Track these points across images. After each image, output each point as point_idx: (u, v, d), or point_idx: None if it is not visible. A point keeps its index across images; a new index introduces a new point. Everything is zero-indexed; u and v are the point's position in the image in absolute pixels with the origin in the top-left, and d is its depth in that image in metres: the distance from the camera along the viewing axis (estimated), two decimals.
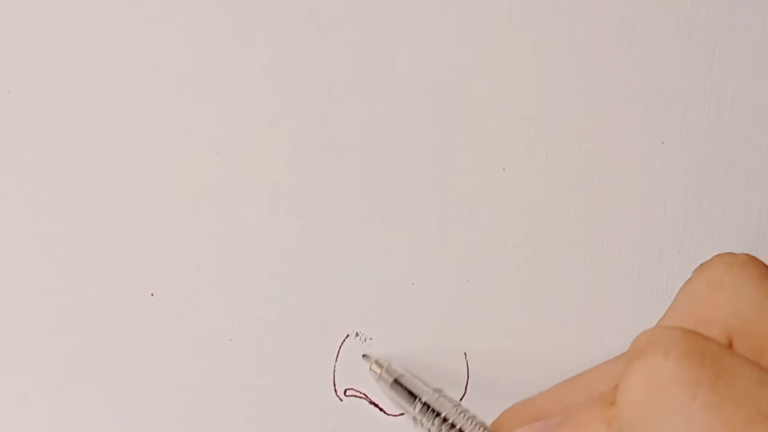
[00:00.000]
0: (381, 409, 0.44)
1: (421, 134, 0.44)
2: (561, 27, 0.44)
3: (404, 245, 0.44)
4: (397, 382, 0.42)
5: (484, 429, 0.39)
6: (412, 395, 0.41)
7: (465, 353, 0.43)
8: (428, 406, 0.40)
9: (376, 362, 0.43)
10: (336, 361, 0.44)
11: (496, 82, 0.44)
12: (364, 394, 0.44)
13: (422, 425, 0.40)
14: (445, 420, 0.39)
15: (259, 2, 0.44)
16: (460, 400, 0.43)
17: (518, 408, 0.38)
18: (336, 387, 0.44)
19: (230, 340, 0.44)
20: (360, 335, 0.44)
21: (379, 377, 0.43)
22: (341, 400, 0.44)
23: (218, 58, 0.44)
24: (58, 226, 0.44)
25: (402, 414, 0.44)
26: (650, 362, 0.30)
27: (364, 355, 0.44)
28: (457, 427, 0.39)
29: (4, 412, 0.43)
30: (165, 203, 0.44)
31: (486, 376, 0.43)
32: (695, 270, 0.35)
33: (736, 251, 0.43)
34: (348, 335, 0.44)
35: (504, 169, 0.44)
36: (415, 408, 0.40)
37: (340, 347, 0.44)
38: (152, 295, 0.44)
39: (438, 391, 0.41)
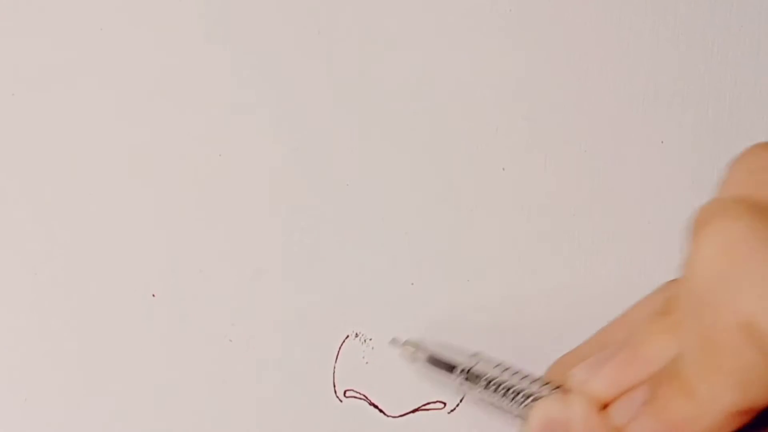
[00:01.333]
0: (381, 410, 0.43)
1: (422, 135, 0.44)
2: (560, 28, 0.45)
3: (404, 245, 0.44)
4: (433, 358, 0.41)
5: (533, 381, 0.37)
6: (451, 366, 0.40)
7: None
8: (469, 371, 0.39)
9: (407, 343, 0.42)
10: (336, 361, 0.44)
11: (495, 83, 0.44)
12: (364, 395, 0.43)
13: (470, 390, 0.39)
14: (490, 381, 0.38)
15: (261, 5, 0.45)
16: (461, 400, 0.43)
17: (566, 357, 0.37)
18: (336, 388, 0.44)
19: (230, 341, 0.44)
20: (360, 336, 0.44)
21: (413, 358, 0.42)
22: (341, 401, 0.44)
23: (220, 60, 0.44)
24: (60, 228, 0.44)
25: (402, 415, 0.43)
26: (720, 226, 0.28)
27: (393, 340, 0.43)
28: (504, 384, 0.38)
29: (6, 412, 0.43)
30: (166, 204, 0.44)
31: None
32: (730, 164, 0.33)
33: None
34: (348, 336, 0.44)
35: (504, 169, 0.44)
36: (457, 375, 0.39)
37: (340, 348, 0.44)
38: (153, 295, 0.44)
39: (476, 354, 0.40)
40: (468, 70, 0.44)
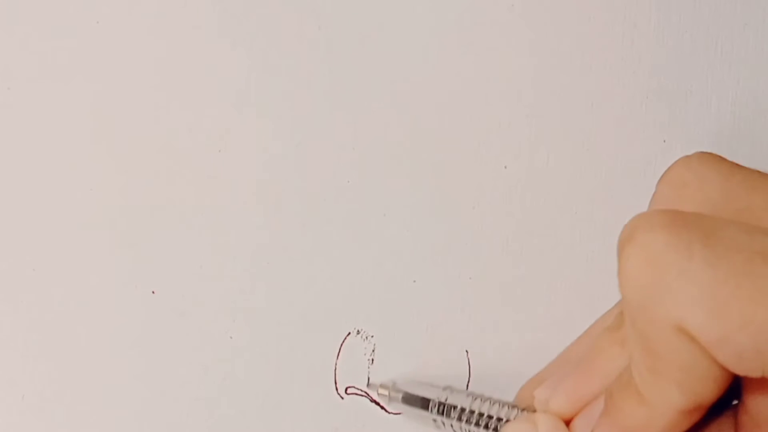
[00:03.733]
0: (382, 407, 0.44)
1: (424, 131, 0.44)
2: (563, 25, 0.45)
3: (406, 242, 0.44)
4: (407, 395, 0.42)
5: (502, 405, 0.38)
6: (425, 400, 0.41)
7: (467, 351, 0.43)
8: (443, 405, 0.40)
9: (381, 386, 0.43)
10: (337, 359, 0.44)
11: (498, 80, 0.44)
12: (365, 392, 0.44)
13: (444, 425, 0.40)
14: (462, 410, 0.39)
15: (261, 1, 0.44)
16: None
17: (531, 381, 0.38)
18: (337, 385, 0.44)
19: (231, 337, 0.44)
20: (361, 333, 0.44)
21: (389, 399, 0.42)
22: (342, 398, 0.44)
23: (220, 56, 0.44)
24: (59, 224, 0.44)
25: (402, 412, 0.44)
26: (640, 240, 0.30)
27: (368, 384, 0.44)
28: (476, 411, 0.39)
29: (4, 409, 0.43)
30: (166, 201, 0.44)
31: (488, 374, 0.43)
32: (657, 183, 0.36)
33: None
34: (349, 333, 0.44)
35: (506, 167, 0.44)
36: (432, 411, 0.40)
37: (342, 345, 0.44)
38: (153, 292, 0.44)
39: (447, 387, 0.40)
40: (470, 66, 0.44)
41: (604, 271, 0.44)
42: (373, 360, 0.44)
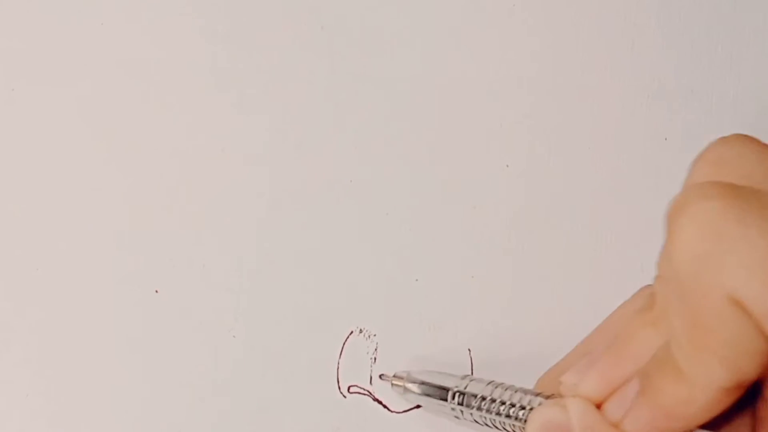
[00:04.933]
0: (385, 406, 0.43)
1: (425, 131, 0.44)
2: (564, 25, 0.45)
3: (408, 241, 0.44)
4: (425, 385, 0.41)
5: (524, 393, 0.37)
6: (443, 388, 0.40)
7: (469, 350, 0.43)
8: (463, 394, 0.39)
9: (396, 376, 0.42)
10: (340, 357, 0.44)
11: (500, 79, 0.44)
12: (368, 391, 0.44)
13: (463, 414, 0.39)
14: (483, 398, 0.38)
15: (264, 1, 0.44)
16: None
17: (552, 370, 0.38)
18: (339, 384, 0.44)
19: (234, 336, 0.44)
20: (364, 331, 0.44)
21: (405, 390, 0.42)
22: (345, 396, 0.44)
23: (222, 56, 0.44)
24: (62, 223, 0.44)
25: (406, 411, 0.44)
26: (694, 210, 0.30)
27: (381, 376, 0.43)
28: (498, 400, 0.38)
29: (8, 408, 0.43)
30: (169, 200, 0.44)
31: (490, 373, 0.43)
32: (693, 162, 0.35)
33: None
34: (352, 332, 0.44)
35: (507, 166, 0.44)
36: (450, 400, 0.39)
37: (344, 344, 0.44)
38: (156, 291, 0.44)
39: (467, 376, 0.40)
40: (472, 66, 0.44)
41: (606, 270, 0.44)
42: (375, 359, 0.44)
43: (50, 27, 0.44)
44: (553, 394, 0.36)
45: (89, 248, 0.44)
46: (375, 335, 0.44)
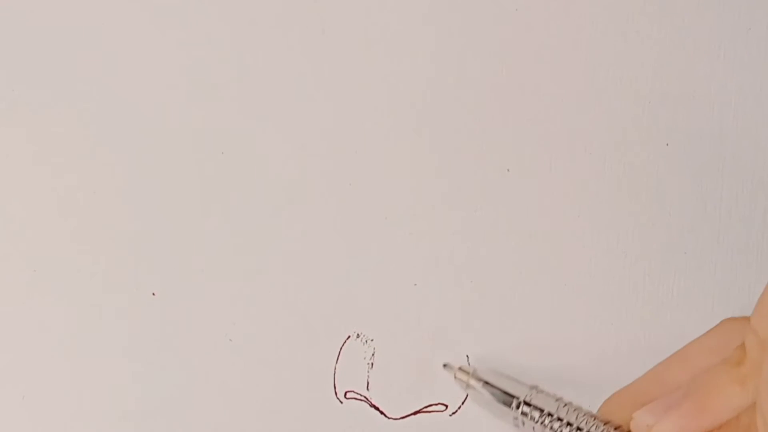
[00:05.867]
0: (381, 412, 0.43)
1: (426, 135, 0.44)
2: (566, 29, 0.44)
3: (407, 246, 0.44)
4: (489, 385, 0.41)
5: (593, 418, 0.37)
6: (509, 396, 0.39)
7: (467, 356, 0.43)
8: (528, 404, 0.39)
9: (461, 369, 0.42)
10: (336, 362, 0.43)
11: (501, 83, 0.44)
12: (365, 397, 0.43)
13: (524, 425, 0.39)
14: (549, 415, 0.38)
15: (266, 3, 0.45)
16: (462, 402, 0.43)
17: (620, 395, 0.38)
18: (336, 389, 0.43)
19: (230, 340, 0.43)
20: (361, 336, 0.44)
21: (467, 385, 0.41)
22: (341, 402, 0.43)
23: (223, 58, 0.44)
24: (60, 225, 0.44)
25: (403, 417, 0.43)
26: None
27: (445, 365, 0.43)
28: (564, 420, 0.37)
29: (4, 410, 0.43)
30: (168, 203, 0.44)
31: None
32: None
33: (742, 252, 0.43)
34: (349, 336, 0.44)
35: (508, 170, 0.44)
36: (515, 408, 0.39)
37: (341, 349, 0.43)
38: (153, 294, 0.44)
39: (534, 387, 0.40)
40: (474, 70, 0.44)
41: (607, 275, 0.44)
42: (372, 364, 0.43)
43: (52, 28, 0.44)
44: (621, 427, 0.36)
45: (86, 250, 0.44)
46: (372, 340, 0.44)
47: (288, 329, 0.43)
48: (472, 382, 0.41)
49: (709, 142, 0.44)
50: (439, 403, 0.43)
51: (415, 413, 0.43)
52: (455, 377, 0.42)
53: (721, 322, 0.36)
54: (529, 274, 0.44)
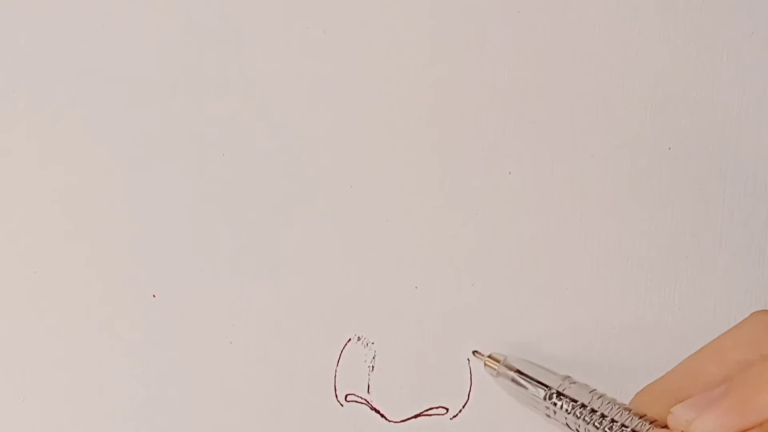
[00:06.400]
0: (382, 415, 0.43)
1: (427, 137, 0.44)
2: (569, 32, 0.45)
3: (408, 248, 0.44)
4: (520, 374, 0.40)
5: (628, 411, 0.37)
6: (542, 385, 0.39)
7: (468, 359, 0.43)
8: (561, 395, 0.38)
9: (491, 357, 0.42)
10: (337, 365, 0.43)
11: (503, 86, 0.44)
12: (366, 400, 0.43)
13: (555, 414, 0.38)
14: (583, 406, 0.38)
15: (266, 5, 0.45)
16: (463, 406, 0.43)
17: (653, 387, 0.37)
18: (337, 392, 0.43)
19: (231, 342, 0.43)
20: (362, 339, 0.44)
21: (497, 373, 0.41)
22: (342, 405, 0.43)
23: (224, 59, 0.44)
24: (60, 226, 0.44)
25: (404, 420, 0.43)
26: None
27: (474, 352, 0.42)
28: (598, 412, 0.37)
29: (4, 412, 0.43)
30: (168, 204, 0.44)
31: (490, 381, 0.42)
32: None
33: (744, 256, 0.43)
34: (349, 339, 0.44)
35: (510, 173, 0.44)
36: (547, 398, 0.39)
37: (342, 351, 0.43)
38: (154, 296, 0.44)
39: (567, 377, 0.39)
40: (475, 73, 0.44)
41: (609, 279, 0.44)
42: (373, 367, 0.43)
43: (52, 29, 0.44)
44: (657, 421, 0.36)
45: (87, 252, 0.44)
46: (373, 343, 0.43)
47: (288, 332, 0.43)
48: (503, 370, 0.41)
49: (711, 146, 0.44)
50: (440, 406, 0.43)
51: (415, 416, 0.43)
52: (485, 365, 0.42)
53: (752, 314, 0.36)
54: (531, 277, 0.44)
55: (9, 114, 0.44)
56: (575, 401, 0.38)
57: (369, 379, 0.43)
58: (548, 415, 0.39)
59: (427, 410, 0.43)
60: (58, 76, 0.44)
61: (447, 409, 0.43)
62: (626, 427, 0.37)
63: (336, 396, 0.43)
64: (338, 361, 0.43)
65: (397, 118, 0.44)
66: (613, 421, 0.37)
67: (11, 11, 0.44)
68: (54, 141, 0.44)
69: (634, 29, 0.45)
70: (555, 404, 0.39)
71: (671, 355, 0.38)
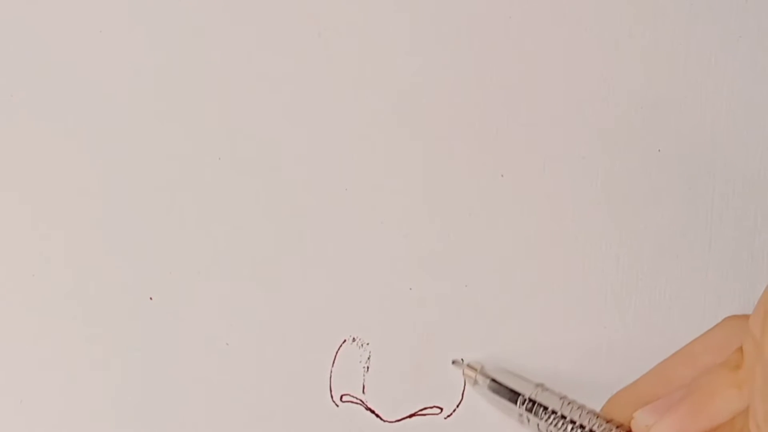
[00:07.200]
0: (377, 415, 0.43)
1: (421, 139, 0.44)
2: (559, 35, 0.45)
3: (402, 250, 0.44)
4: (495, 382, 0.41)
5: (596, 416, 0.38)
6: (514, 393, 0.40)
7: (462, 359, 0.43)
8: (533, 402, 0.39)
9: (469, 366, 0.42)
10: (332, 366, 0.44)
11: (495, 89, 0.45)
12: (361, 400, 0.43)
13: (529, 422, 0.40)
14: (553, 413, 0.39)
15: (262, 7, 0.45)
16: (457, 405, 0.43)
17: (625, 393, 0.38)
18: (332, 393, 0.43)
19: (227, 344, 0.44)
20: (357, 340, 0.44)
21: (474, 381, 0.42)
22: (337, 405, 0.43)
23: (220, 63, 0.45)
24: (58, 229, 0.44)
25: (399, 420, 0.43)
26: None
27: (453, 361, 0.43)
28: (568, 418, 0.38)
29: (2, 414, 0.43)
30: (165, 207, 0.44)
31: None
32: None
33: (733, 257, 0.44)
34: (345, 340, 0.44)
35: (502, 175, 0.44)
36: (520, 405, 0.40)
37: (337, 352, 0.44)
38: (151, 298, 0.44)
39: (540, 385, 0.40)
40: (467, 75, 0.45)
41: (600, 279, 0.44)
42: (368, 368, 0.44)
43: (49, 34, 0.44)
44: (622, 425, 0.37)
45: (84, 255, 0.44)
46: (368, 344, 0.44)
47: (284, 333, 0.44)
48: (480, 378, 0.42)
49: (700, 147, 0.44)
50: (434, 406, 0.43)
51: (410, 416, 0.43)
52: (463, 373, 0.43)
53: (724, 320, 0.36)
54: (524, 277, 0.44)
55: (7, 119, 0.44)
56: (546, 408, 0.39)
57: (364, 380, 0.44)
58: (522, 422, 0.40)
59: (421, 410, 0.43)
60: (56, 81, 0.44)
61: (441, 409, 0.43)
62: (592, 431, 0.38)
63: (331, 396, 0.43)
64: (333, 362, 0.44)
65: (392, 121, 0.45)
66: (581, 427, 0.38)
67: (9, 18, 0.45)
68: (51, 145, 0.44)
69: (624, 33, 0.45)
70: (528, 411, 0.40)
71: (661, 355, 0.38)
